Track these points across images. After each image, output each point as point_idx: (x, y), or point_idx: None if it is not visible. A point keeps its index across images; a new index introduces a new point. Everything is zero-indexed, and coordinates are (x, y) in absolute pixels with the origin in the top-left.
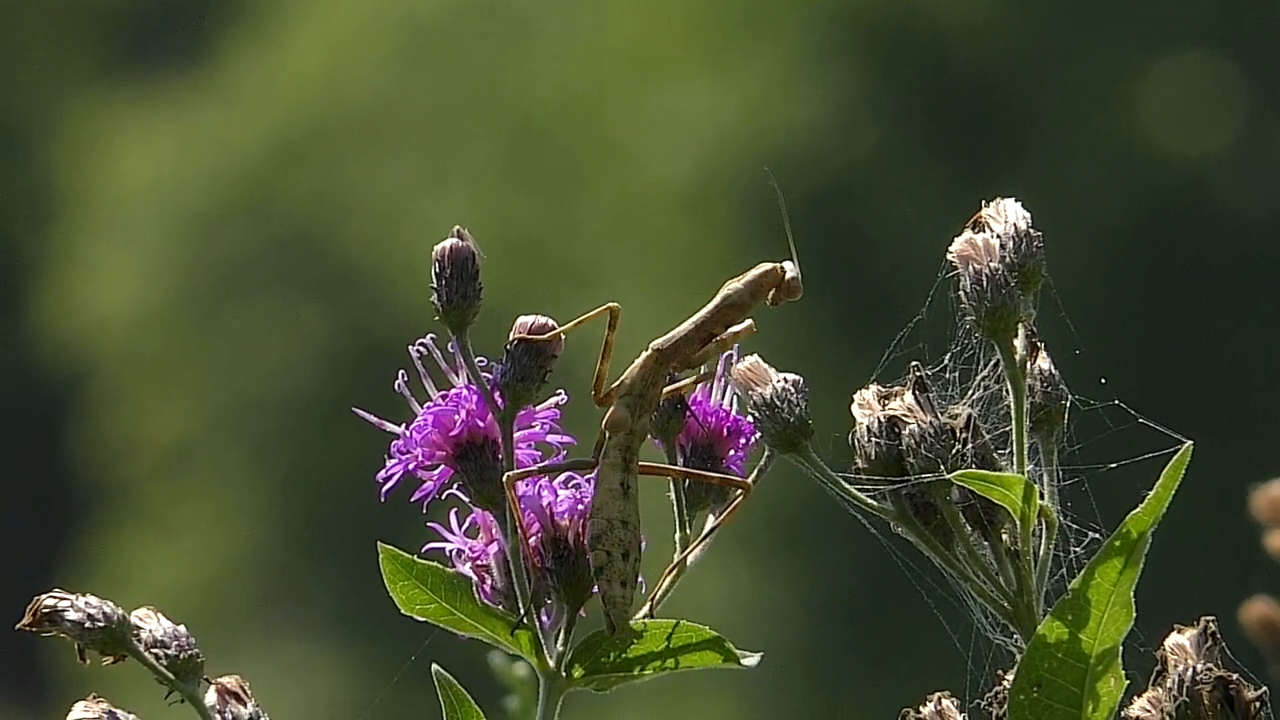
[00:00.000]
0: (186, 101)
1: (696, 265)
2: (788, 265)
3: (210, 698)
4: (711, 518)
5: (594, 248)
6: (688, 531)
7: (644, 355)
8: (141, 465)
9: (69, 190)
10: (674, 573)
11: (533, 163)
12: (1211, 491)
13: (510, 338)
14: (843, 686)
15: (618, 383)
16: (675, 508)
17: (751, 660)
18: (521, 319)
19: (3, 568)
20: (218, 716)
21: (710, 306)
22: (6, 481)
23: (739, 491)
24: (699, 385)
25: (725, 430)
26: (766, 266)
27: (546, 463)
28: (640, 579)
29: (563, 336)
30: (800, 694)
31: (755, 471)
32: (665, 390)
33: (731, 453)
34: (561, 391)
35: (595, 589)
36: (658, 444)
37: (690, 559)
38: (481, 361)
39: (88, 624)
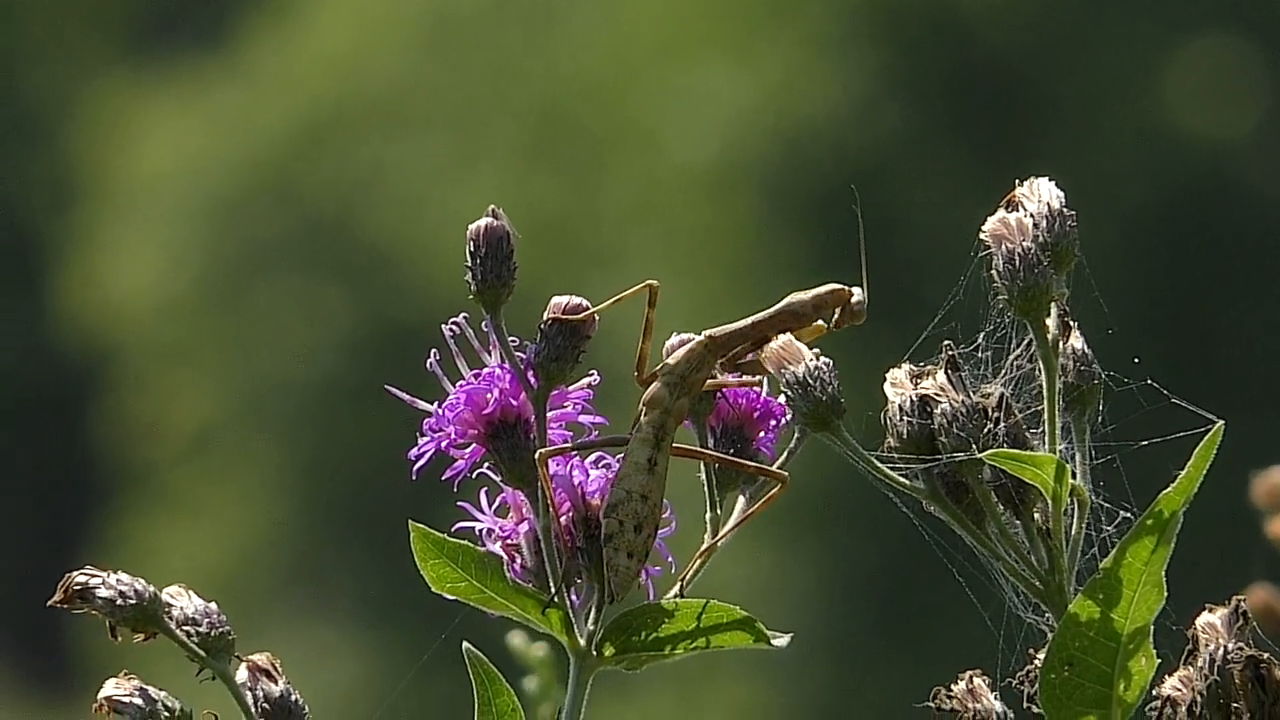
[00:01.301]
0: (209, 84)
1: (719, 248)
2: (856, 290)
3: (241, 675)
4: (742, 500)
5: (617, 231)
6: (718, 512)
7: (695, 340)
8: (164, 448)
9: (92, 174)
10: (705, 555)
11: (556, 147)
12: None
13: (544, 317)
14: (868, 668)
15: (662, 364)
16: (706, 488)
17: (782, 641)
18: (556, 299)
19: (26, 550)
20: (248, 694)
21: (770, 310)
22: (30, 464)
23: (774, 482)
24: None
25: (755, 412)
26: (835, 286)
27: (580, 440)
28: (670, 559)
29: (596, 317)
30: (824, 676)
31: (785, 453)
32: (708, 383)
33: (761, 434)
34: (594, 372)
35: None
36: (689, 426)
37: (721, 543)
38: (514, 341)
39: (119, 601)
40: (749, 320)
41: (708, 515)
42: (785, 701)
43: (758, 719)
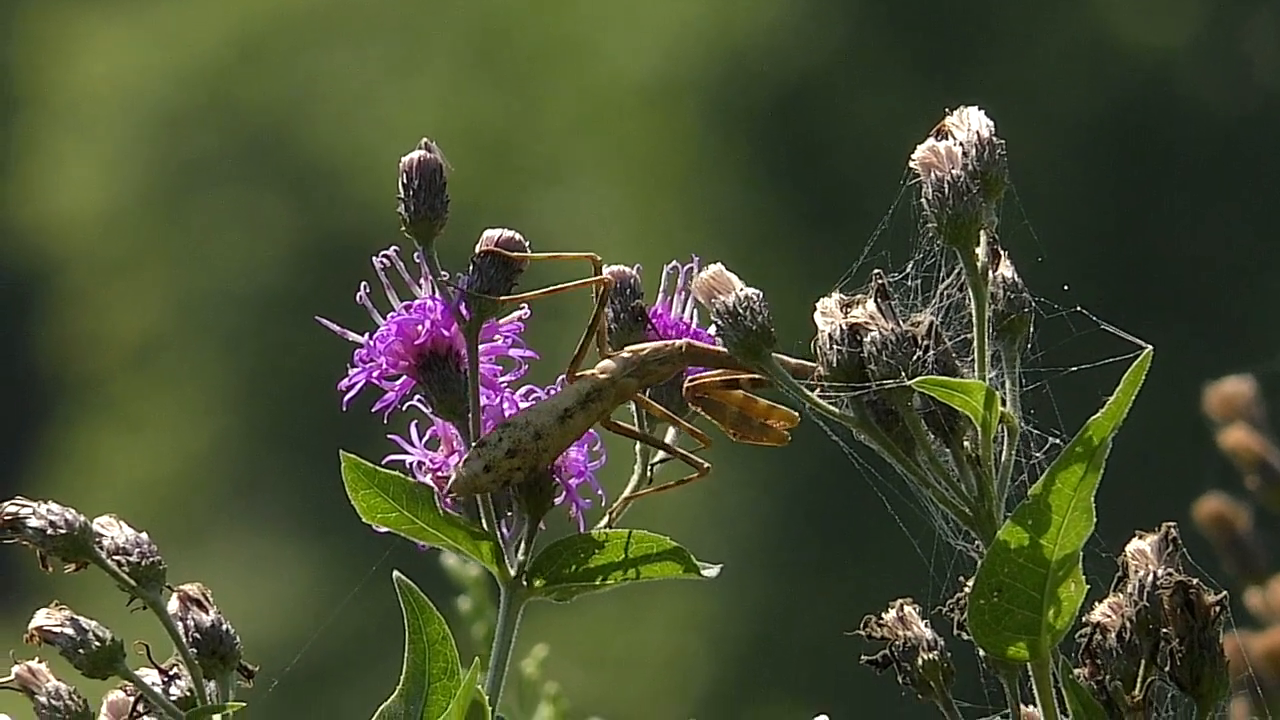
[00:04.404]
0: None
1: (661, 162)
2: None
3: (172, 605)
4: (672, 432)
5: (559, 144)
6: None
7: (676, 341)
8: (106, 360)
9: (29, 87)
10: (628, 501)
11: (496, 59)
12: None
13: (477, 249)
14: (805, 586)
15: (632, 347)
16: (636, 418)
17: (711, 571)
18: (489, 231)
19: None
20: (179, 623)
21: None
22: None
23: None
24: (661, 298)
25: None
26: (808, 382)
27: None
28: (600, 491)
29: (528, 247)
30: (762, 592)
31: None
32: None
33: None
34: (525, 306)
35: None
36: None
37: (656, 468)
38: (444, 275)
39: (49, 531)
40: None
41: (638, 447)
42: (726, 613)
43: (699, 630)
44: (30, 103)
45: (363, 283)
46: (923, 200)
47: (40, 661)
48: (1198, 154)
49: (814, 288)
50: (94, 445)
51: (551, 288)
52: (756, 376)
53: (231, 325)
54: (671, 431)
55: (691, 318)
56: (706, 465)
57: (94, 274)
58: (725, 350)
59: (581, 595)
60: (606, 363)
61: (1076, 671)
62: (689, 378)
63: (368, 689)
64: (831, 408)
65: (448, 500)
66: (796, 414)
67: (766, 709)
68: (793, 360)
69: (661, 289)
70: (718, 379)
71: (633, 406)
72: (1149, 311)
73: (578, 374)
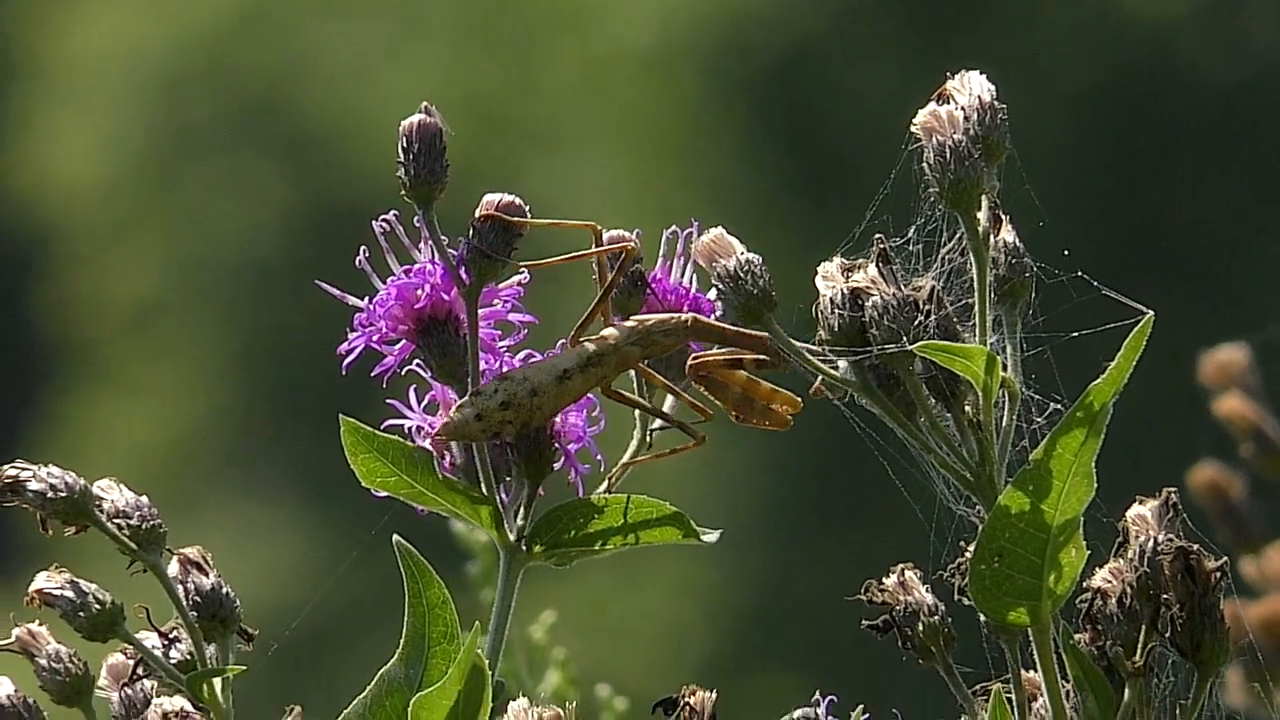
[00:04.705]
0: None
1: (659, 127)
2: (826, 389)
3: (172, 568)
4: (670, 400)
5: (558, 111)
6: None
7: (683, 315)
8: (104, 327)
9: (27, 54)
10: (627, 467)
11: (496, 26)
12: (1181, 359)
13: (477, 213)
14: (805, 553)
15: (637, 317)
16: (636, 385)
17: (711, 536)
18: (489, 196)
19: None
20: (180, 587)
21: (752, 332)
22: None
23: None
24: (661, 263)
25: (685, 307)
26: (814, 379)
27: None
28: (599, 457)
29: (529, 214)
30: (762, 559)
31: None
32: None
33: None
34: (524, 270)
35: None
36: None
37: (654, 434)
38: (444, 239)
39: (50, 494)
40: (736, 329)
41: (636, 413)
42: (725, 580)
43: (697, 597)
44: (27, 69)
45: (362, 247)
46: (924, 165)
47: (40, 624)
48: (1197, 121)
49: (814, 254)
50: (92, 411)
51: (572, 254)
52: (760, 357)
53: (229, 291)
54: (670, 400)
55: (691, 283)
56: (703, 435)
57: (92, 240)
58: (730, 328)
59: (579, 562)
60: (610, 330)
61: (1077, 637)
62: (692, 355)
63: (368, 654)
64: (833, 372)
65: (446, 464)
66: (799, 399)
67: (765, 677)
68: (742, 375)
69: (661, 253)
70: (721, 358)
71: (633, 375)
72: (1149, 277)
73: (581, 339)
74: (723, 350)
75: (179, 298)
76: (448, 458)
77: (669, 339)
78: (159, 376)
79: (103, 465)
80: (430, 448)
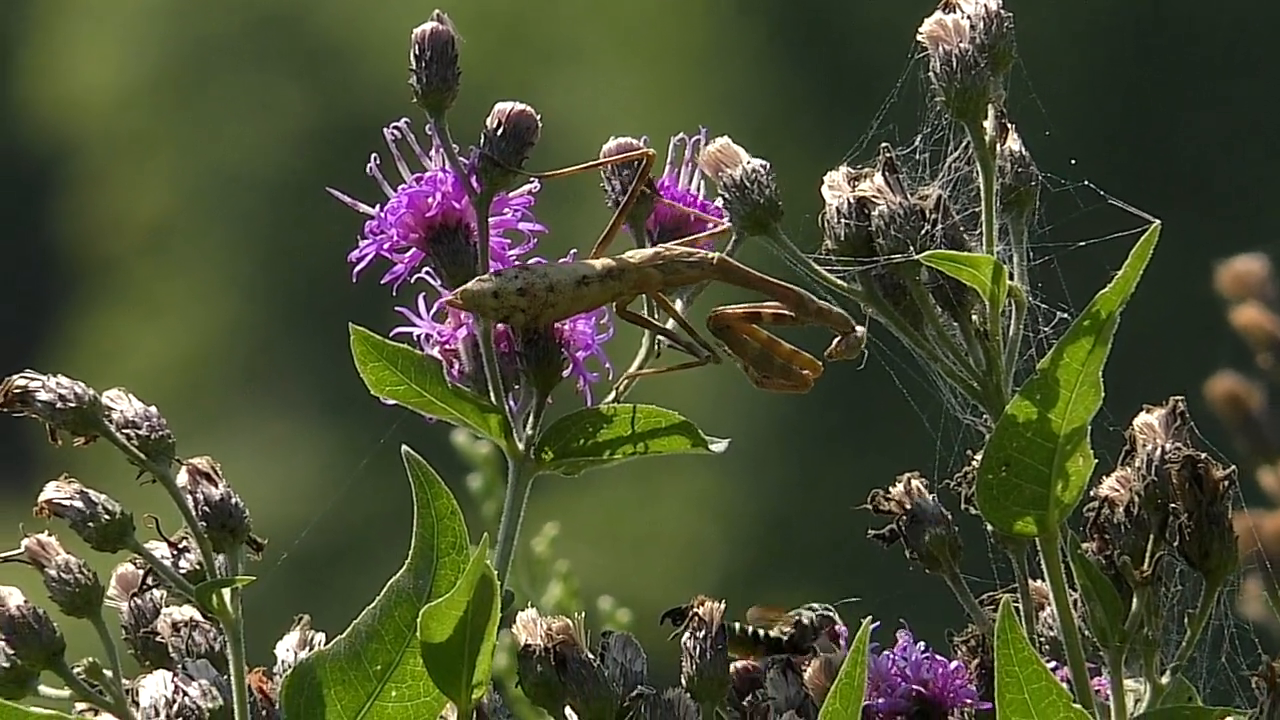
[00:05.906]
0: None
1: (673, 42)
2: (860, 328)
3: (181, 478)
4: (680, 303)
5: (573, 24)
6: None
7: (711, 254)
8: (122, 243)
9: None
10: (634, 378)
11: None
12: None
13: (490, 122)
14: (818, 465)
15: (666, 245)
16: (647, 307)
17: (719, 445)
18: (501, 105)
19: None
20: (189, 497)
21: (779, 282)
22: None
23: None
24: (669, 170)
25: (692, 214)
26: (843, 315)
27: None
28: (607, 365)
29: (539, 122)
30: (776, 471)
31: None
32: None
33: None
34: (535, 179)
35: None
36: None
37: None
38: (455, 147)
39: (59, 404)
40: (763, 277)
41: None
42: (740, 492)
43: (713, 509)
44: None
45: (373, 154)
46: (931, 74)
47: (50, 535)
48: (1212, 34)
49: (819, 170)
50: (109, 328)
51: (589, 163)
52: (781, 310)
53: (246, 208)
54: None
55: (699, 190)
56: (709, 354)
57: (108, 157)
58: (755, 274)
59: (593, 473)
60: (636, 252)
61: (1085, 546)
62: (714, 309)
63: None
64: (839, 281)
65: (455, 373)
66: (820, 362)
67: (782, 588)
68: (763, 333)
69: (669, 160)
70: (741, 311)
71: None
72: (1159, 189)
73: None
74: (744, 305)
75: (195, 214)
76: (456, 366)
77: (692, 271)
78: (176, 294)
79: (120, 382)
80: (439, 356)
